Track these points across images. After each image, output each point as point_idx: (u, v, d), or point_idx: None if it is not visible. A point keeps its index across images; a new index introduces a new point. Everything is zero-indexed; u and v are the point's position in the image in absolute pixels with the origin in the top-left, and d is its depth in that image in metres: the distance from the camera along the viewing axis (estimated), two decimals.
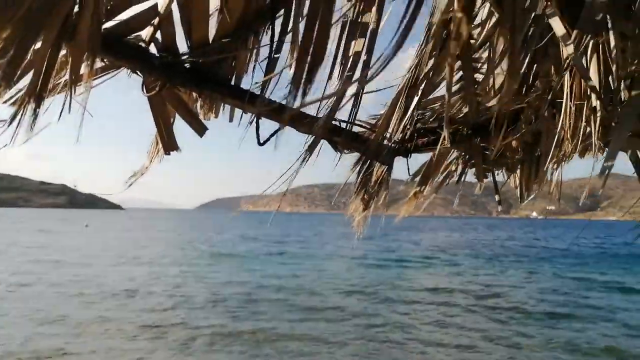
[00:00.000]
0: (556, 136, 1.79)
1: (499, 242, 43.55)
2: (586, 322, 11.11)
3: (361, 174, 1.86)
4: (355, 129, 1.90)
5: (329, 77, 1.47)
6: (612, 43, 1.38)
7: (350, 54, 1.47)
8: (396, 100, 1.79)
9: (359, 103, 1.84)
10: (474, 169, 2.30)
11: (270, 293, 13.70)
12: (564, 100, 1.62)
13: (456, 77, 1.93)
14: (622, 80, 1.49)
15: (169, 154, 1.93)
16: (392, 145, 1.83)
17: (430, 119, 2.08)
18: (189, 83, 1.53)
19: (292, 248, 31.00)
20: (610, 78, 1.52)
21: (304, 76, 1.37)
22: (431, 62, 1.75)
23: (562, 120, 1.66)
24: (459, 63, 1.70)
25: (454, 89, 1.97)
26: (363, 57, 1.44)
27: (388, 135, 1.85)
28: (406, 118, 1.81)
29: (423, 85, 1.84)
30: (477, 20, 1.85)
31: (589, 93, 1.55)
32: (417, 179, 2.31)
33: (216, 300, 12.31)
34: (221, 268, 19.72)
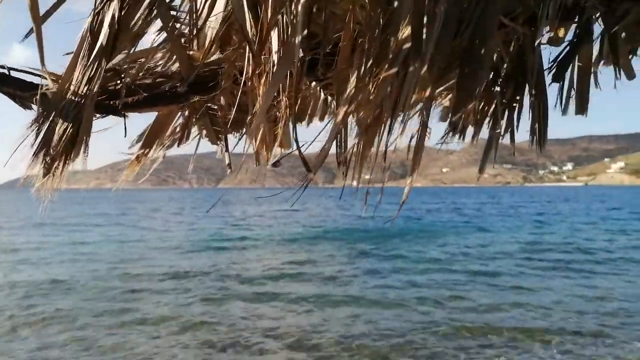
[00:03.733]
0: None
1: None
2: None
3: (42, 133, 1.60)
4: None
5: None
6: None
7: None
8: (79, 50, 1.57)
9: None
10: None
11: None
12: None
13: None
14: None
15: None
16: (80, 100, 1.60)
17: (140, 74, 1.89)
18: None
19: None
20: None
21: None
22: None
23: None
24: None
25: (158, 41, 1.82)
26: None
27: (77, 89, 1.62)
28: (95, 70, 1.60)
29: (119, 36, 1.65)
30: None
31: None
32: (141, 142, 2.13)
33: None
34: None
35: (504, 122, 2.40)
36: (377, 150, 1.11)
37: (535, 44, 1.74)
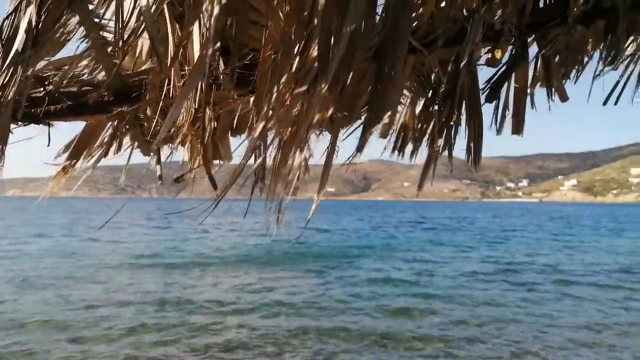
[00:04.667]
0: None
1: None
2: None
3: None
4: None
5: None
6: None
7: None
8: None
9: None
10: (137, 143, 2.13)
11: None
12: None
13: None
14: None
15: None
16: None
17: (64, 82, 1.81)
18: None
19: None
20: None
21: None
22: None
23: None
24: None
25: (81, 48, 1.74)
26: None
27: None
28: (10, 77, 1.51)
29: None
30: None
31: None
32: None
33: None
34: None
35: (441, 141, 2.43)
36: (292, 165, 1.08)
37: (462, 65, 1.77)
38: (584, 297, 10.89)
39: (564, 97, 2.55)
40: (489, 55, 2.42)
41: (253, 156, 1.31)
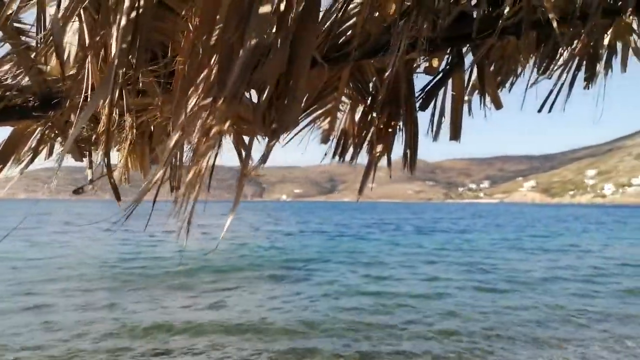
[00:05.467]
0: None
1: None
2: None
3: None
4: None
5: None
6: None
7: None
8: None
9: None
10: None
11: None
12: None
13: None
14: None
15: None
16: None
17: None
18: None
19: None
20: None
21: None
22: None
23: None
24: None
25: (1, 53, 1.69)
26: None
27: None
28: None
29: None
30: None
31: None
32: None
33: None
34: None
35: (380, 147, 2.48)
36: (205, 172, 1.08)
37: (386, 74, 1.81)
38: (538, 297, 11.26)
39: (498, 105, 2.64)
40: (427, 64, 2.50)
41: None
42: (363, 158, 2.59)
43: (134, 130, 1.44)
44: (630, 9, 2.17)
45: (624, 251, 22.76)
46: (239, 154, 2.09)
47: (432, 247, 23.69)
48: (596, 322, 8.76)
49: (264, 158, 1.01)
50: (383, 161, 2.59)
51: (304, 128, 2.41)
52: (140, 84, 1.52)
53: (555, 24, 2.40)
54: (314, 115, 2.38)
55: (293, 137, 2.38)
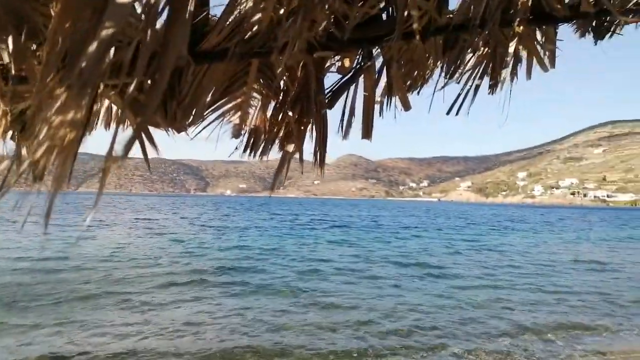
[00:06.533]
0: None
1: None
2: None
3: None
4: None
5: None
6: None
7: None
8: None
9: None
10: None
11: None
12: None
13: None
14: None
15: None
16: None
17: None
18: None
19: None
20: None
21: None
22: None
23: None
24: None
25: None
26: None
27: None
28: None
29: None
30: None
31: None
32: None
33: None
34: None
35: (292, 144, 2.50)
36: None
37: (278, 71, 1.82)
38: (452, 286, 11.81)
39: (407, 107, 2.73)
40: (339, 63, 2.55)
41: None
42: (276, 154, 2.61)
43: (8, 118, 1.38)
44: (521, 19, 2.30)
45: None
46: (141, 145, 2.04)
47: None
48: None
49: (125, 153, 0.98)
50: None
51: (213, 122, 2.38)
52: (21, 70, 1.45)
53: (458, 30, 2.51)
54: (224, 109, 2.37)
55: (201, 130, 2.36)
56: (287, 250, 19.86)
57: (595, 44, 2.98)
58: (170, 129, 2.17)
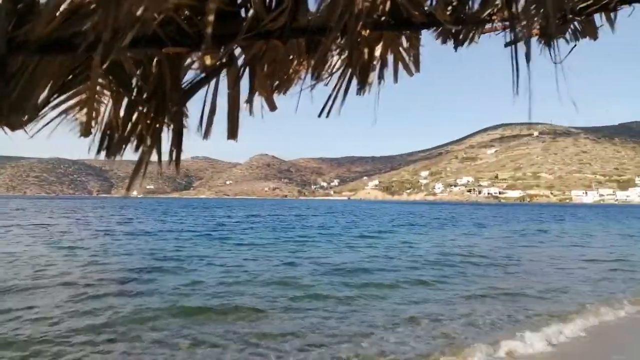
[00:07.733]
0: None
1: None
2: None
3: None
4: None
5: None
6: None
7: None
8: None
9: None
10: None
11: None
12: None
13: None
14: None
15: None
16: None
17: None
18: None
19: None
20: None
21: None
22: None
23: None
24: None
25: None
26: None
27: None
28: None
29: None
30: None
31: None
32: None
33: None
34: None
35: (148, 143, 2.40)
36: None
37: (128, 67, 1.73)
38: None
39: (272, 107, 2.73)
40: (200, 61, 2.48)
41: None
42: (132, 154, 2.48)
43: None
44: (381, 23, 2.39)
45: None
46: None
47: None
48: None
49: None
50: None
51: (55, 118, 2.21)
52: None
53: (317, 33, 2.55)
54: (66, 105, 2.21)
55: (42, 128, 2.17)
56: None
57: (456, 51, 3.17)
58: (1, 126, 1.98)
